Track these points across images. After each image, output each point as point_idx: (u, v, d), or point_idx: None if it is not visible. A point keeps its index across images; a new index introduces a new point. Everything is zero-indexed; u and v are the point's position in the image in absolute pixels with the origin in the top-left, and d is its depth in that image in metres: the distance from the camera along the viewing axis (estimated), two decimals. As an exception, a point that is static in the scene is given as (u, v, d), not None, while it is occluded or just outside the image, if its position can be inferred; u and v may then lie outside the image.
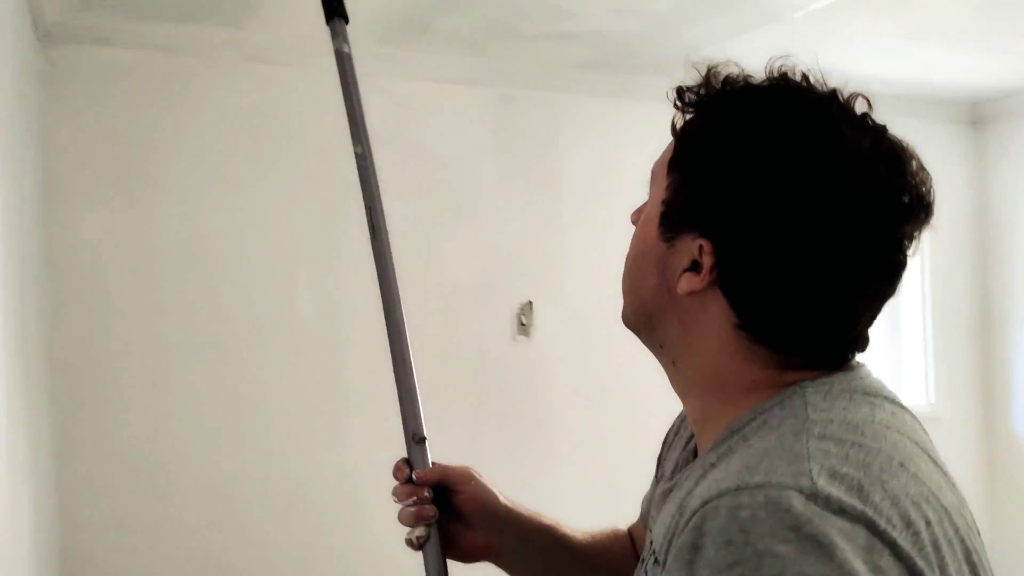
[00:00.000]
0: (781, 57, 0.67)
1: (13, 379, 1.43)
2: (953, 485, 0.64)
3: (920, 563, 0.54)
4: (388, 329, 0.89)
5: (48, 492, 1.98)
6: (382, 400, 1.19)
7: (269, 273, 2.38)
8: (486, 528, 0.88)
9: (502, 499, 0.89)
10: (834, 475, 0.55)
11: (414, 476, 0.85)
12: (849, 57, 2.50)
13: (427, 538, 0.83)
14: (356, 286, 2.31)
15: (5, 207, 1.31)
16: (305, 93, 2.38)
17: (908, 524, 0.55)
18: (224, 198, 2.34)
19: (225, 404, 2.31)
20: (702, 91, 0.69)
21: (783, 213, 0.62)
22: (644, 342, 0.73)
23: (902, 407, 0.67)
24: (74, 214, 2.23)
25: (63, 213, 2.21)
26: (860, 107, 0.66)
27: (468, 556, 0.88)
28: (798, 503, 0.53)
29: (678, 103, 0.69)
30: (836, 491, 0.54)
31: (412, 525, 0.83)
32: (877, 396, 0.65)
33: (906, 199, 0.63)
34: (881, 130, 0.65)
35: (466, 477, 0.88)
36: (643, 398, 2.19)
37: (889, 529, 0.54)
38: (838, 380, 0.64)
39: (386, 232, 0.90)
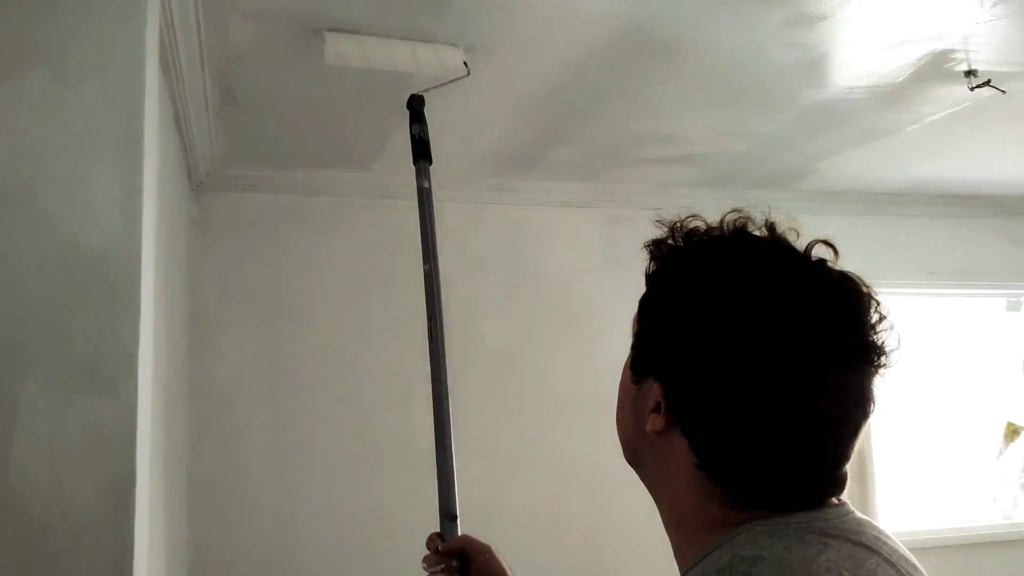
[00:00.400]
0: (736, 210, 0.71)
1: (157, 498, 1.53)
2: None
3: None
4: (435, 419, 1.02)
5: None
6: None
7: (388, 390, 2.47)
8: None
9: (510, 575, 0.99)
10: None
11: (439, 547, 0.97)
12: (964, 161, 2.44)
13: None
14: (462, 409, 2.41)
15: (165, 341, 1.44)
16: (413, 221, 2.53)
17: None
18: (349, 321, 2.49)
19: (348, 517, 2.38)
20: (668, 243, 0.73)
21: (721, 360, 0.65)
22: (640, 478, 0.77)
23: (872, 549, 0.66)
24: (217, 343, 2.41)
25: (207, 343, 2.40)
26: (822, 253, 0.69)
27: None
28: None
29: (649, 252, 0.74)
30: None
31: None
32: (839, 538, 0.64)
33: (847, 346, 0.64)
34: (834, 278, 0.67)
35: (483, 550, 0.97)
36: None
37: None
38: (796, 519, 0.65)
39: (442, 337, 1.07)
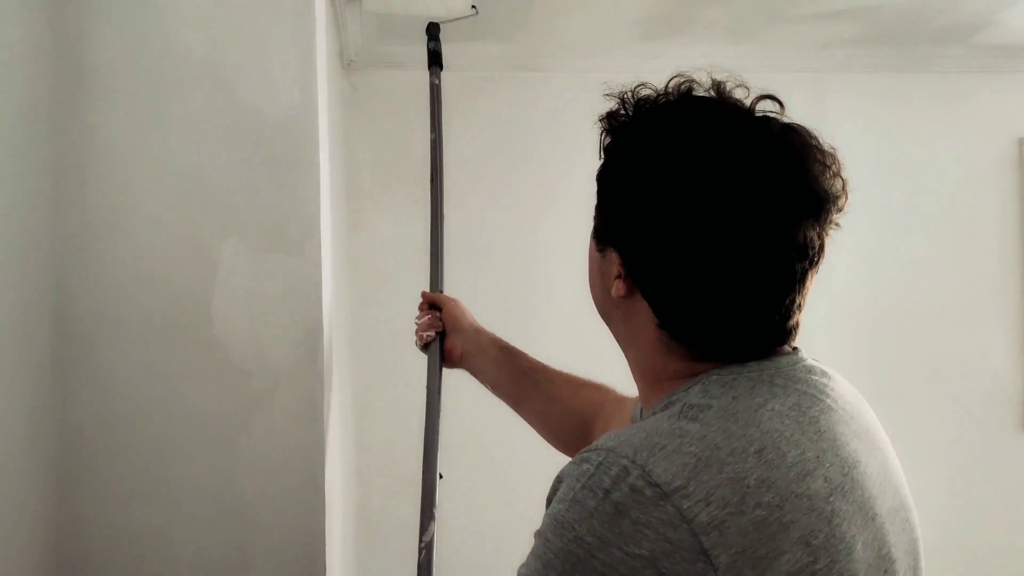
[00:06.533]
0: (681, 74, 0.74)
1: (339, 349, 1.67)
2: (860, 475, 0.67)
3: (714, 539, 0.58)
4: (431, 237, 1.37)
5: (350, 457, 2.26)
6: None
7: (537, 261, 2.53)
8: (454, 335, 1.28)
9: (470, 318, 1.31)
10: (675, 452, 0.62)
11: (421, 294, 1.36)
12: None
13: (433, 340, 1.28)
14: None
15: (332, 210, 1.54)
16: (565, 93, 2.51)
17: (726, 505, 0.60)
18: (496, 195, 2.53)
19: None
20: (619, 114, 0.76)
21: (668, 224, 0.68)
22: (612, 334, 0.83)
23: (817, 396, 0.69)
24: (371, 218, 2.53)
25: (362, 217, 2.52)
26: (767, 108, 0.71)
27: (447, 359, 1.28)
28: (618, 471, 0.61)
29: (603, 127, 0.77)
30: (661, 468, 0.61)
31: (425, 331, 1.29)
32: (786, 387, 0.68)
33: (787, 197, 0.66)
34: (774, 131, 0.69)
35: (451, 299, 1.32)
36: None
37: (696, 507, 0.59)
38: (749, 369, 0.69)
39: (441, 183, 1.40)
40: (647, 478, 0.60)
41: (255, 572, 1.13)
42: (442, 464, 1.18)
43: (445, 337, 1.30)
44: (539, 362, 1.25)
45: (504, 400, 1.27)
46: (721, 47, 2.46)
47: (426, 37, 1.62)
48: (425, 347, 1.31)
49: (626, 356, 0.81)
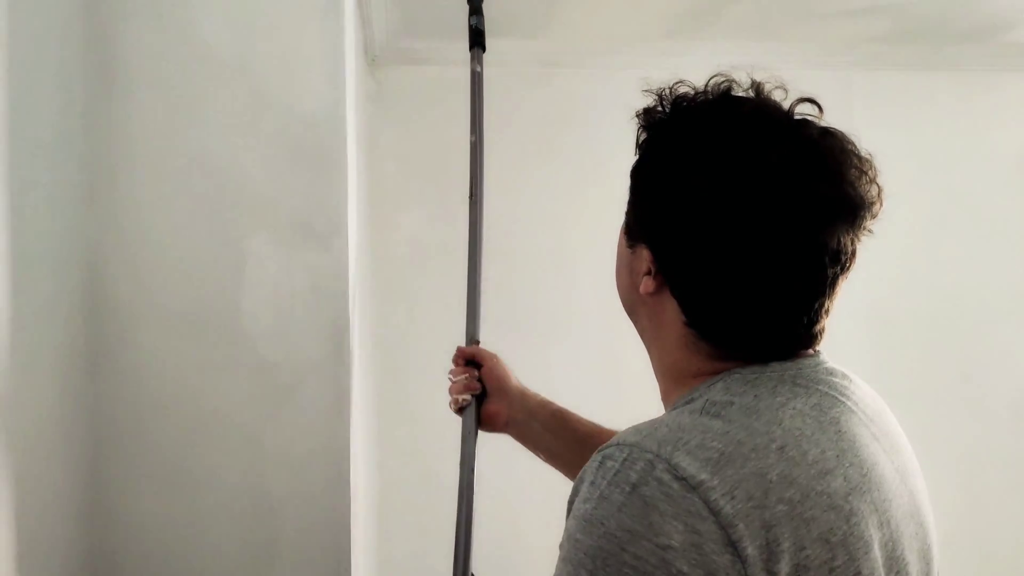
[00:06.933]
0: (721, 74, 0.74)
1: (364, 344, 1.68)
2: (879, 477, 0.67)
3: (741, 531, 0.59)
4: (468, 275, 1.25)
5: (369, 451, 2.27)
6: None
7: (555, 260, 2.53)
8: (498, 398, 1.15)
9: (514, 378, 1.18)
10: (698, 447, 0.62)
11: (456, 348, 1.20)
12: None
13: (469, 404, 1.14)
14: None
15: (358, 206, 1.55)
16: (588, 90, 2.50)
17: (749, 498, 0.60)
18: (517, 189, 2.53)
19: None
20: (656, 111, 0.76)
21: (700, 224, 0.68)
22: (636, 330, 0.83)
23: (839, 396, 0.70)
24: (394, 213, 2.54)
25: (385, 212, 2.53)
26: (806, 111, 0.71)
27: (488, 423, 1.15)
28: (644, 465, 0.62)
29: (639, 122, 0.77)
30: (686, 461, 0.61)
31: (460, 393, 1.15)
32: (807, 387, 0.69)
33: (820, 202, 0.66)
34: (812, 136, 0.68)
35: (491, 356, 1.19)
36: None
37: (722, 500, 0.60)
38: (771, 369, 0.69)
39: (482, 201, 1.27)
40: (674, 471, 0.61)
41: (282, 565, 1.14)
42: (476, 561, 1.03)
43: (485, 399, 1.16)
44: (594, 425, 1.13)
45: (561, 469, 1.13)
46: (747, 43, 2.44)
47: (468, 10, 1.44)
48: (460, 410, 1.15)
49: (649, 352, 0.81)
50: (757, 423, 0.64)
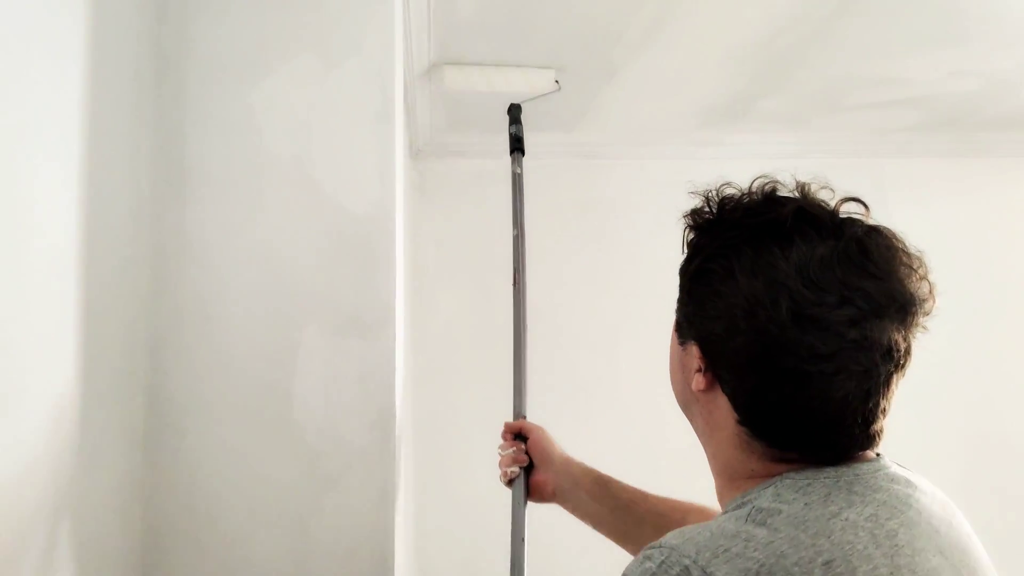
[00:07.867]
0: (766, 175, 0.74)
1: (406, 432, 1.70)
2: None
3: None
4: (514, 354, 1.31)
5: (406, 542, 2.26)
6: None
7: (592, 342, 2.55)
8: (544, 468, 1.18)
9: (559, 448, 1.21)
10: (738, 556, 0.61)
11: (504, 424, 1.26)
12: None
13: (517, 476, 1.18)
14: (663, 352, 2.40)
15: (404, 301, 1.59)
16: (622, 180, 2.58)
17: None
18: (554, 276, 2.58)
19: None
20: (704, 212, 0.77)
21: (747, 325, 0.67)
22: (692, 427, 0.82)
23: (900, 505, 0.66)
24: (434, 300, 2.60)
25: (425, 295, 2.59)
26: (852, 209, 0.72)
27: (536, 493, 1.18)
28: (679, 571, 0.61)
29: (687, 223, 0.78)
30: (722, 571, 0.60)
31: (508, 466, 1.19)
32: (864, 495, 0.66)
33: (868, 301, 0.65)
34: (858, 234, 0.68)
35: (537, 428, 1.23)
36: None
37: None
38: (826, 474, 0.67)
39: (525, 287, 1.35)
40: None
41: (326, 653, 1.15)
42: None
43: (532, 470, 1.20)
44: (638, 491, 1.15)
45: (608, 536, 1.15)
46: (777, 134, 2.51)
47: (508, 120, 1.56)
48: (510, 482, 1.20)
49: (705, 450, 0.80)
50: (804, 535, 0.62)
